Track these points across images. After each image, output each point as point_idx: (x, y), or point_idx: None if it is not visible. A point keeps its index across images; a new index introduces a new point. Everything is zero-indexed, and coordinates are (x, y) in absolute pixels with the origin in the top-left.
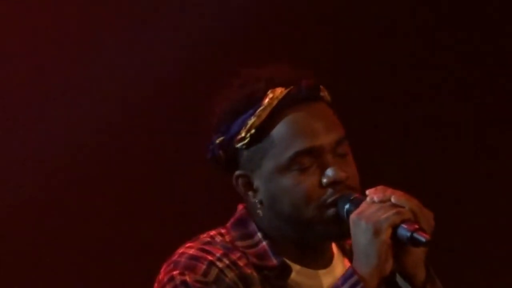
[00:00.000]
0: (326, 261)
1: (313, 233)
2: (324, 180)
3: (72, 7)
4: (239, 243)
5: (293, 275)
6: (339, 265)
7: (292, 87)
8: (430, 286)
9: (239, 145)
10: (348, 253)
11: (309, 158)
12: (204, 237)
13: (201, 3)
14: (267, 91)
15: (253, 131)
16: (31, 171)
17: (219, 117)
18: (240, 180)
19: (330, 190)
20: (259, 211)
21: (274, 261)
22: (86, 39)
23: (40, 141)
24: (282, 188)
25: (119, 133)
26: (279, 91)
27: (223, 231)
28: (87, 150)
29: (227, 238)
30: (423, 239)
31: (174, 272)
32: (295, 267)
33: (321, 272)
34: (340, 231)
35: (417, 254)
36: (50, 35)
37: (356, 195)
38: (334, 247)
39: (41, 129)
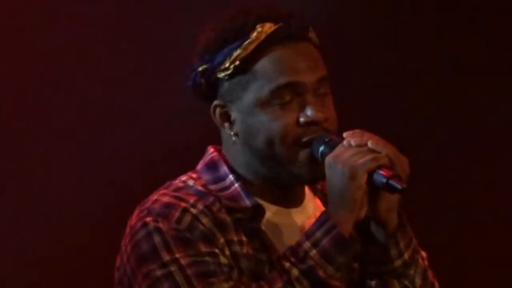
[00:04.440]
0: (298, 200)
1: (286, 173)
2: (302, 119)
3: None
4: (211, 187)
5: (266, 214)
6: (310, 204)
7: (281, 24)
8: (401, 233)
9: (221, 75)
10: (318, 193)
11: (290, 94)
12: (176, 183)
13: None
14: (256, 25)
15: (237, 62)
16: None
17: (205, 46)
18: (217, 110)
19: (306, 130)
20: (233, 143)
21: (247, 203)
22: None
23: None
24: (259, 122)
25: None
26: (268, 26)
27: (194, 175)
28: None
29: (199, 182)
30: (399, 186)
31: (147, 219)
32: (268, 206)
33: (293, 210)
34: (313, 174)
35: (391, 201)
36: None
37: (332, 136)
38: (305, 186)
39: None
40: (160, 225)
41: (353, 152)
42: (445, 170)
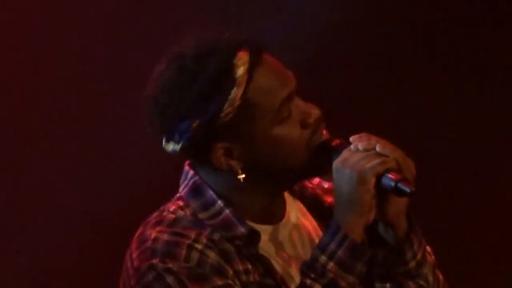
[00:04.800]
0: (281, 213)
1: (301, 170)
2: (310, 120)
3: None
4: (201, 215)
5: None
6: (293, 213)
7: (247, 46)
8: (414, 235)
9: (226, 120)
10: (297, 195)
11: (288, 105)
12: (167, 215)
13: None
14: (232, 59)
15: (238, 102)
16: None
17: (183, 105)
18: (220, 153)
19: (312, 129)
20: (236, 180)
21: (242, 230)
22: None
23: None
24: (280, 139)
25: None
26: (244, 55)
27: (181, 203)
28: None
29: (188, 211)
30: (408, 189)
31: (154, 261)
32: (259, 228)
33: (280, 224)
34: (319, 164)
35: (400, 204)
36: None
37: (337, 140)
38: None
39: None
40: (170, 265)
41: (360, 156)
42: (446, 172)
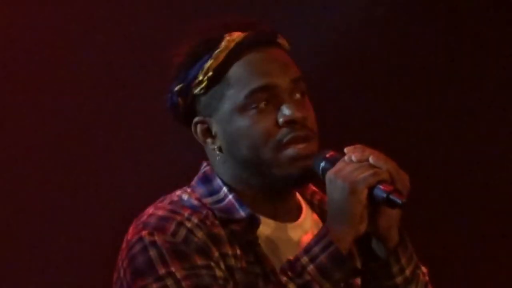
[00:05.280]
0: (293, 215)
1: (273, 177)
2: (281, 119)
3: None
4: (206, 200)
5: (260, 228)
6: (308, 220)
7: (249, 31)
8: (402, 249)
9: (197, 89)
10: (316, 208)
11: (265, 96)
12: (171, 196)
13: None
14: (224, 34)
15: (210, 73)
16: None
17: (177, 66)
18: (198, 127)
19: (286, 129)
20: (219, 157)
21: (241, 214)
22: None
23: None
24: (239, 129)
25: None
26: (236, 35)
27: (188, 190)
28: None
29: (194, 196)
30: (399, 201)
31: (143, 232)
32: (263, 220)
33: (290, 225)
34: (299, 171)
35: (391, 217)
36: None
37: (332, 152)
38: (302, 202)
39: None
40: (156, 238)
41: (353, 167)
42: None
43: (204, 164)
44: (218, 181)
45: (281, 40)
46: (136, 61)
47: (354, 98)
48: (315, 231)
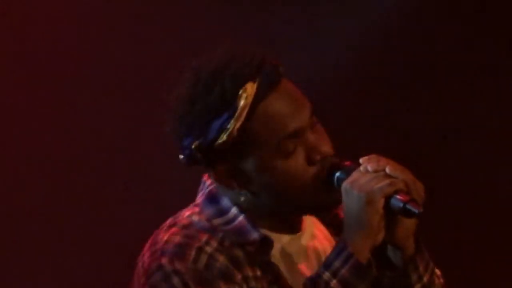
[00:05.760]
0: (300, 224)
1: (305, 207)
2: (317, 157)
3: None
4: (216, 221)
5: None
6: (310, 225)
7: (258, 78)
8: (419, 258)
9: (221, 147)
10: (327, 225)
11: (294, 141)
12: (181, 220)
13: None
14: (238, 90)
15: (235, 134)
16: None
17: (187, 121)
18: (223, 174)
19: (319, 166)
20: (243, 198)
21: (254, 236)
22: None
23: None
24: (274, 176)
25: None
26: (250, 87)
27: (196, 209)
28: None
29: (203, 217)
30: (416, 210)
31: (163, 260)
32: (274, 236)
33: (297, 234)
34: (330, 200)
35: (408, 226)
36: None
37: (347, 163)
38: None
39: None
40: (177, 266)
41: (369, 177)
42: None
43: (208, 181)
44: (226, 200)
45: (282, 69)
46: (136, 61)
47: (364, 104)
48: (318, 233)
